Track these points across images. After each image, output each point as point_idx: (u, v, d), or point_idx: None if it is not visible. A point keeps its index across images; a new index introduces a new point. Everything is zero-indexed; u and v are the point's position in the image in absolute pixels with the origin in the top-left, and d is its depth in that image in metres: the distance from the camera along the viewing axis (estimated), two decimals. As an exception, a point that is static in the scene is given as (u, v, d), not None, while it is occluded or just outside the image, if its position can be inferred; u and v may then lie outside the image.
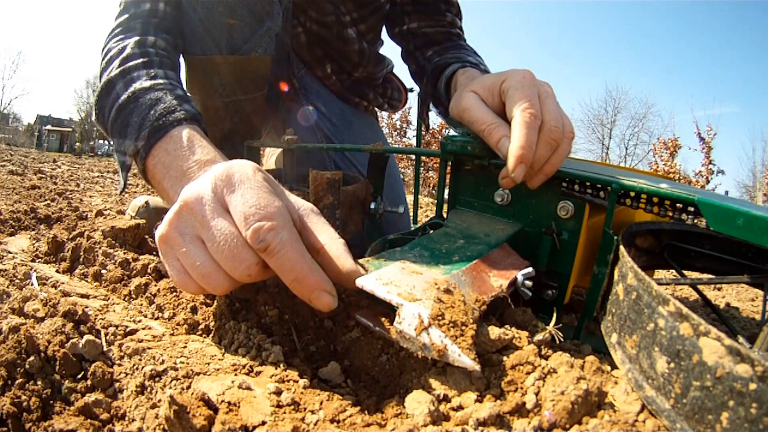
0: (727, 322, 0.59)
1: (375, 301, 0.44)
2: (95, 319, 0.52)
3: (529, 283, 0.50)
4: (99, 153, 16.25)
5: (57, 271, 0.76)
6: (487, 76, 0.64)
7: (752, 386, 0.27)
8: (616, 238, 0.50)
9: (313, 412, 0.34)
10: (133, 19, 0.77)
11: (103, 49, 0.76)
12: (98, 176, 3.40)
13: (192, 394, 0.36)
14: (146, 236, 0.84)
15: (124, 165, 0.68)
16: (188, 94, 0.70)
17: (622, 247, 0.46)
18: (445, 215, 0.69)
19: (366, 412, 0.35)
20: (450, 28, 1.09)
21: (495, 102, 0.60)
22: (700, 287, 0.92)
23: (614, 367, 0.41)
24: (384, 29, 1.21)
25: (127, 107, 0.66)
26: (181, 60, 0.88)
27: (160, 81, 0.68)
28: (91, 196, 1.82)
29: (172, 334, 0.50)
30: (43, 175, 2.70)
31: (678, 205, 0.49)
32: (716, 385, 0.29)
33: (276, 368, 0.41)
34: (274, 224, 0.40)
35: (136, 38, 0.74)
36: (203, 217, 0.42)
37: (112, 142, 0.70)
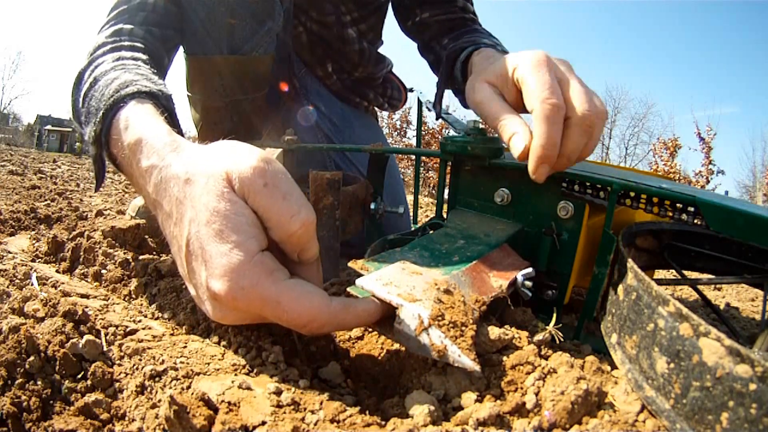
0: (727, 322, 0.59)
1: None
2: (95, 319, 0.52)
3: (529, 283, 0.50)
4: (99, 153, 16.22)
5: (57, 271, 0.76)
6: (499, 62, 0.58)
7: (752, 387, 0.27)
8: (616, 238, 0.50)
9: (313, 412, 0.34)
10: (121, 14, 0.76)
11: None
12: (98, 176, 3.38)
13: (192, 394, 0.36)
14: (146, 236, 0.84)
15: (93, 158, 0.61)
16: (160, 78, 0.64)
17: (622, 248, 0.46)
18: (445, 215, 0.69)
19: (366, 412, 0.35)
20: (462, 14, 1.05)
21: (510, 91, 0.55)
22: (700, 287, 0.92)
23: (614, 367, 0.41)
24: (383, 29, 1.21)
25: (88, 94, 0.62)
26: (180, 55, 0.87)
27: (123, 62, 0.64)
28: (91, 196, 1.82)
29: (172, 334, 0.50)
30: (43, 175, 2.70)
31: (678, 205, 0.49)
32: (716, 386, 0.29)
33: (276, 368, 0.41)
34: None
35: (114, 29, 0.73)
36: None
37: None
